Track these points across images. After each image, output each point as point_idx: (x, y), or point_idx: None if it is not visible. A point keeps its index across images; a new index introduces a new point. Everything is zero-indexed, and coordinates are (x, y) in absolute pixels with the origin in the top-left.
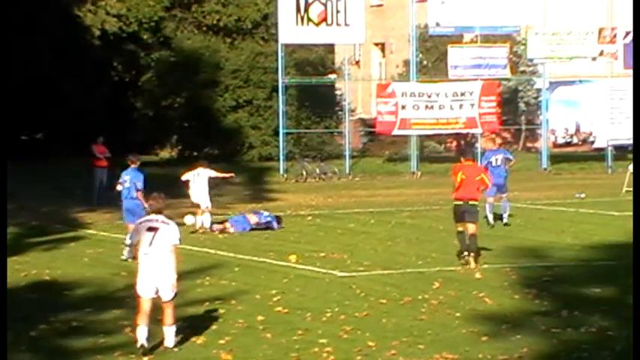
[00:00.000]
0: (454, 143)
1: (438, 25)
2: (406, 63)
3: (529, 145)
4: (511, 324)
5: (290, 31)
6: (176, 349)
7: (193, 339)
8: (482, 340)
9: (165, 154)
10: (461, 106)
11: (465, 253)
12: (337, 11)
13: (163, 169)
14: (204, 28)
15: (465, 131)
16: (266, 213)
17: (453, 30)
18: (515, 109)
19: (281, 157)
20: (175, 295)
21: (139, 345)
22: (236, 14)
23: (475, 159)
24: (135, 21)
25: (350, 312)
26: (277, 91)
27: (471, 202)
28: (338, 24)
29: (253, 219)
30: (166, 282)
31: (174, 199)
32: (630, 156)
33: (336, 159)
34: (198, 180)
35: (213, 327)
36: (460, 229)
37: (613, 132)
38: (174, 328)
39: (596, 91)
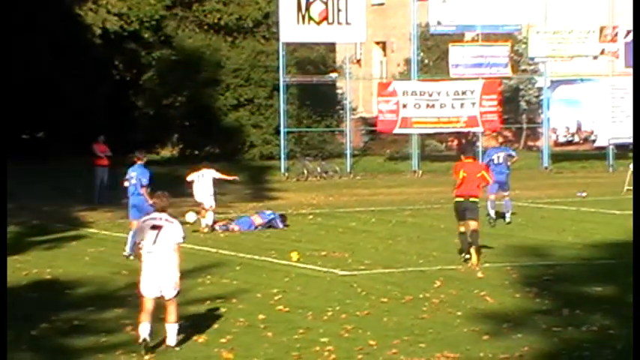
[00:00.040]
0: (455, 142)
1: (439, 23)
2: (407, 62)
3: (530, 143)
4: (512, 323)
5: (291, 29)
6: (177, 348)
7: (195, 337)
8: (484, 339)
9: (166, 152)
10: (462, 104)
11: (467, 256)
12: (338, 10)
13: (164, 168)
14: (206, 27)
15: (466, 130)
16: (269, 212)
17: (454, 29)
18: (517, 107)
19: (282, 156)
20: (178, 293)
21: (141, 339)
22: (237, 13)
23: (476, 157)
24: (136, 20)
25: (351, 311)
26: (278, 90)
27: (472, 199)
28: (339, 23)
29: (258, 220)
30: (169, 280)
31: (176, 197)
32: (632, 154)
33: (337, 158)
34: (203, 180)
35: (215, 326)
36: (462, 229)
37: (614, 131)
38: (176, 326)
39: (597, 89)
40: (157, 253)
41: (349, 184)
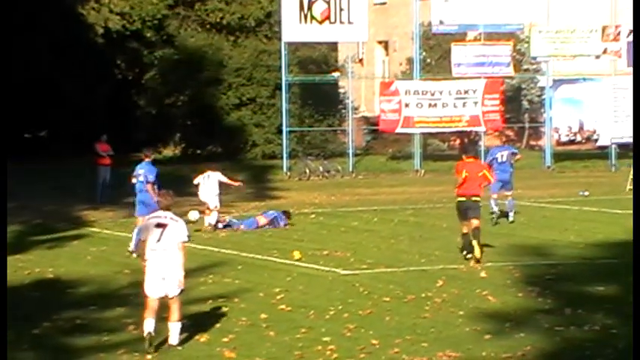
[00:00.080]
0: (457, 141)
1: (441, 23)
2: (409, 61)
3: (532, 143)
4: (514, 322)
5: (293, 29)
6: (180, 347)
7: (197, 337)
8: (486, 338)
9: (168, 152)
10: (464, 104)
11: (469, 255)
12: (340, 9)
13: (167, 167)
14: (208, 26)
15: (468, 129)
16: (271, 212)
17: (456, 28)
18: (519, 107)
19: (284, 155)
20: (181, 291)
21: (145, 333)
22: (239, 12)
23: (477, 156)
24: (138, 19)
25: (353, 310)
26: (280, 89)
27: (473, 199)
28: (341, 22)
29: (262, 220)
30: (173, 278)
31: (179, 197)
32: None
33: (340, 157)
34: (209, 182)
35: (217, 325)
36: (465, 230)
37: (616, 130)
38: (179, 325)
39: (599, 89)
40: (160, 251)
41: (351, 183)
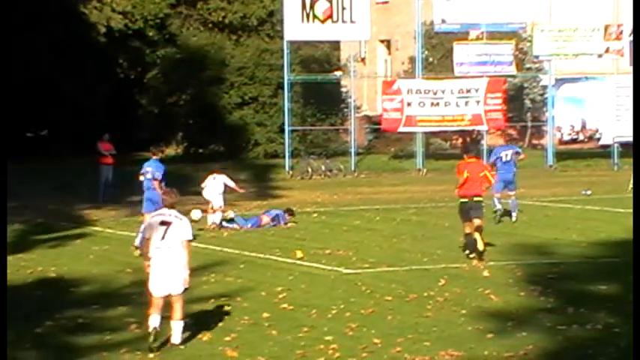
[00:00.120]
0: (460, 140)
1: (443, 21)
2: (412, 60)
3: (535, 142)
4: (516, 321)
5: (295, 28)
6: (182, 346)
7: (199, 336)
8: (488, 337)
9: (170, 151)
10: (466, 103)
11: (472, 255)
12: (343, 8)
13: (169, 166)
14: (210, 25)
15: (470, 128)
16: (274, 210)
17: (458, 27)
18: (521, 106)
19: (286, 154)
20: (185, 290)
21: (151, 328)
22: (241, 11)
23: (479, 156)
24: (140, 18)
25: (355, 309)
26: (283, 88)
27: (475, 199)
28: (343, 21)
29: (265, 219)
30: (178, 277)
31: (182, 196)
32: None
33: (342, 156)
34: (214, 182)
35: (219, 324)
36: (467, 230)
37: (619, 129)
38: (182, 324)
39: (602, 88)
40: (165, 249)
41: (353, 182)
